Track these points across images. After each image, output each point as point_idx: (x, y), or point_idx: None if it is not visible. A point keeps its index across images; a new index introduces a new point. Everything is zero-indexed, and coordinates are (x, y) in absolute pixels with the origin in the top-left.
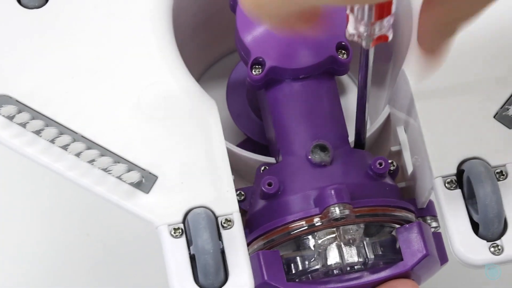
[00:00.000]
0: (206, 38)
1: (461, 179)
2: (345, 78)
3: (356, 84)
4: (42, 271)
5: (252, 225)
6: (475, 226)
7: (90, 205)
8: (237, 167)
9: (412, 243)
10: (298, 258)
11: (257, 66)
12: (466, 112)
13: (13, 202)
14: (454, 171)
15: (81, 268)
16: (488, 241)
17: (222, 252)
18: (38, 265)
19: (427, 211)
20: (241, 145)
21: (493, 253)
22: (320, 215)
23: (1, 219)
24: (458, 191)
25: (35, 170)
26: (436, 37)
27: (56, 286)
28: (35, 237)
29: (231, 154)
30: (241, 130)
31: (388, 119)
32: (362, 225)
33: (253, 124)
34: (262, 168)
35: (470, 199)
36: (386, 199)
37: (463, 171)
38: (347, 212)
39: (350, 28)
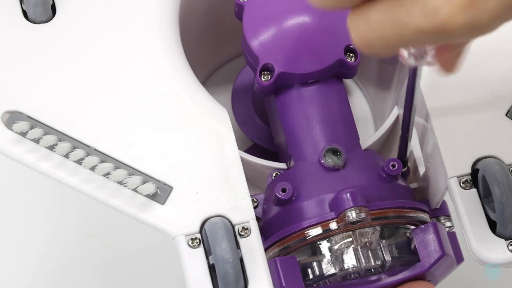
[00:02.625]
0: (210, 44)
1: (476, 178)
2: (348, 81)
3: (360, 87)
4: (42, 271)
5: (267, 231)
6: (492, 225)
7: (90, 205)
8: (247, 174)
9: (428, 244)
10: (314, 264)
11: (266, 72)
12: (478, 111)
13: (14, 203)
14: (469, 170)
15: (81, 268)
16: (506, 239)
17: (241, 261)
18: (38, 264)
19: (441, 211)
20: (248, 152)
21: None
22: (336, 219)
23: (2, 219)
24: (474, 190)
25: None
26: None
27: (56, 285)
28: (35, 237)
29: (241, 161)
30: (248, 136)
31: (397, 121)
32: (378, 228)
33: (260, 130)
34: (274, 174)
35: (486, 198)
36: (401, 200)
37: (477, 170)
38: (363, 215)
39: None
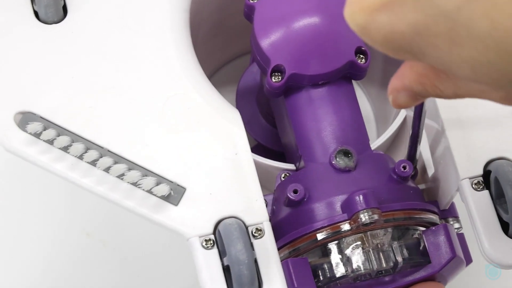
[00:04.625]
0: (215, 43)
1: (488, 180)
2: (358, 84)
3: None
4: (42, 271)
5: (277, 233)
6: (505, 227)
7: (89, 205)
8: None
9: (439, 246)
10: (325, 265)
11: (277, 74)
12: (489, 113)
13: (13, 203)
14: (481, 172)
15: (80, 267)
16: None
17: (255, 261)
18: (37, 264)
19: (449, 213)
20: (251, 151)
21: None
22: (349, 221)
23: (1, 220)
24: (486, 192)
25: (35, 171)
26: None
27: (57, 285)
28: (35, 236)
29: None
30: (252, 136)
31: (404, 122)
32: (390, 229)
33: (264, 130)
34: (283, 175)
35: (498, 199)
36: (412, 202)
37: (489, 171)
38: (376, 217)
39: None
